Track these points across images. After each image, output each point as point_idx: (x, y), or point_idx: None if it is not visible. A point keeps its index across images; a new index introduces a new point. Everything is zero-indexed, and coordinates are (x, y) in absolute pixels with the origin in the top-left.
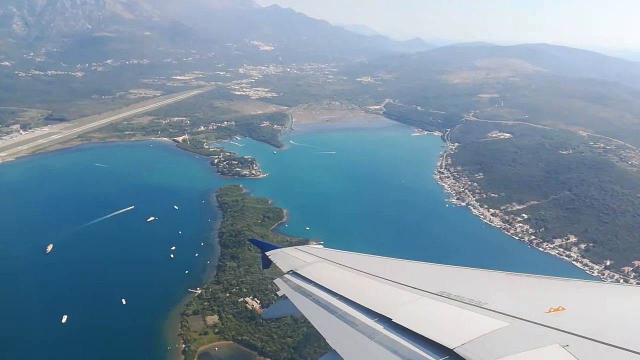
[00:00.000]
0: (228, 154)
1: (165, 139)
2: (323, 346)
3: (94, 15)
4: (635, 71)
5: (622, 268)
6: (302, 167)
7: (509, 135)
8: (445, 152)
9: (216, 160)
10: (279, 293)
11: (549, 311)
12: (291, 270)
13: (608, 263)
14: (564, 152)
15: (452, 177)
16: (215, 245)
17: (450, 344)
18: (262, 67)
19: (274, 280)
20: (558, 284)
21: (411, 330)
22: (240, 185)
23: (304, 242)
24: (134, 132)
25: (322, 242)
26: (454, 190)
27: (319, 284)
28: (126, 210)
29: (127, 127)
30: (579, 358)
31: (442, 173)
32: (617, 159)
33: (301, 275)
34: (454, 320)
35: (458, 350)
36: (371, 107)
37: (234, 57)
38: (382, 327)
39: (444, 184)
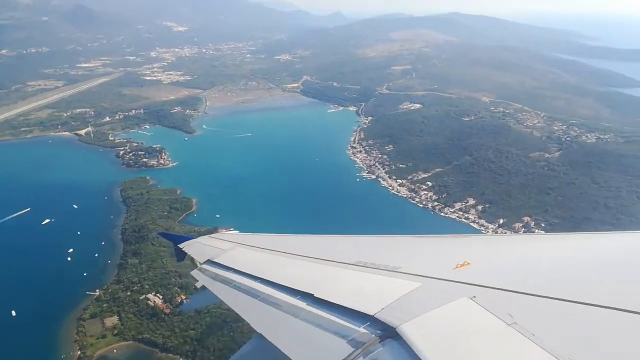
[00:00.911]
0: (135, 144)
1: (67, 133)
2: (226, 334)
3: None
4: (541, 36)
5: (514, 225)
6: (214, 152)
7: (419, 105)
8: (359, 126)
9: (121, 152)
10: (197, 285)
11: (456, 267)
12: (208, 260)
13: (501, 221)
14: (466, 119)
15: (364, 151)
16: (118, 243)
17: (370, 311)
18: (176, 50)
19: (191, 272)
20: (462, 240)
21: (333, 303)
22: (147, 177)
23: (213, 230)
24: (30, 128)
25: (232, 229)
26: (365, 164)
27: (238, 270)
28: (20, 214)
29: (23, 122)
30: (484, 306)
31: (355, 148)
32: (514, 121)
33: (218, 264)
34: (372, 288)
35: (378, 316)
36: (288, 86)
37: (144, 40)
38: (304, 304)
39: (356, 159)
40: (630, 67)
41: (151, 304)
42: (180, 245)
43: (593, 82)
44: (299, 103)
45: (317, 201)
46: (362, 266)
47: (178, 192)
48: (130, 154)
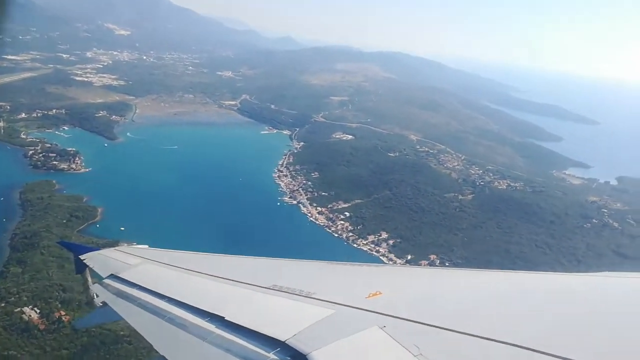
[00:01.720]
0: (48, 145)
1: None
2: (102, 356)
3: None
4: (472, 83)
5: (420, 261)
6: (133, 162)
7: (350, 137)
8: (289, 150)
9: (31, 152)
10: (98, 301)
11: (369, 296)
12: (112, 274)
13: (409, 257)
14: (392, 155)
15: (289, 176)
16: (5, 249)
17: (281, 336)
18: (115, 53)
19: (92, 287)
20: (375, 270)
21: (244, 327)
22: (54, 181)
23: (114, 243)
24: None
25: (134, 243)
26: (288, 188)
27: (144, 287)
28: None
29: None
30: (393, 337)
31: (281, 171)
32: (435, 162)
33: (124, 279)
34: (285, 313)
35: (289, 342)
36: (226, 103)
37: (82, 39)
38: (214, 326)
39: (280, 182)
40: (548, 121)
41: (25, 318)
42: (82, 257)
43: (513, 132)
44: (233, 121)
45: (233, 222)
46: (276, 290)
47: (84, 200)
48: (40, 155)
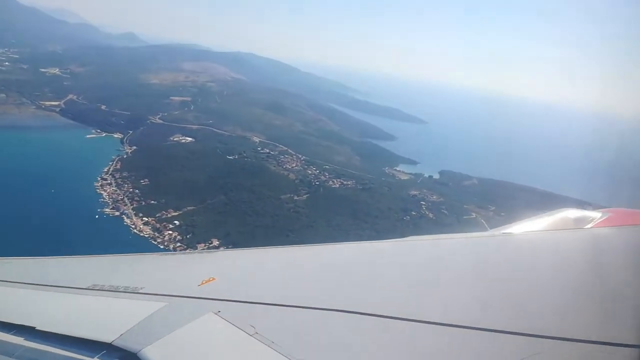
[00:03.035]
0: None
1: None
2: None
3: None
4: (320, 85)
5: None
6: None
7: (190, 139)
8: (119, 156)
9: None
10: None
11: (202, 283)
12: None
13: None
14: (230, 157)
15: (114, 184)
16: None
17: (107, 338)
18: None
19: None
20: (207, 256)
21: (61, 334)
22: None
23: None
24: None
25: None
26: (112, 198)
27: None
28: None
29: None
30: (229, 320)
31: (106, 180)
32: (275, 163)
33: None
34: (109, 312)
35: (116, 342)
36: (47, 103)
37: None
38: (22, 339)
39: (103, 192)
40: (386, 122)
41: None
42: None
43: (353, 132)
44: (53, 124)
45: (38, 242)
46: (97, 290)
47: None
48: None
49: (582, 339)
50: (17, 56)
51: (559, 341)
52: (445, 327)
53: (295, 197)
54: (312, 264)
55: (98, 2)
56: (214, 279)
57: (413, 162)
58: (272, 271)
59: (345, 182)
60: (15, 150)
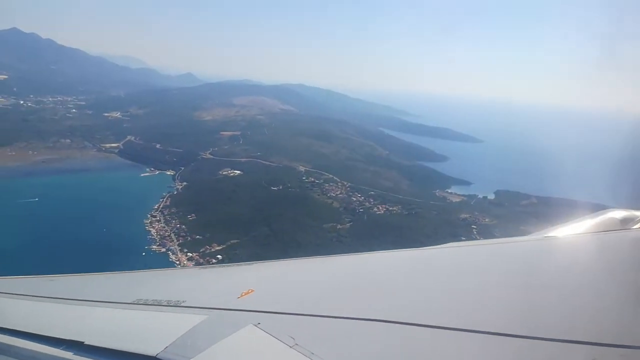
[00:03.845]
0: None
1: None
2: None
3: None
4: (369, 111)
5: None
6: None
7: (238, 172)
8: (169, 192)
9: None
10: None
11: (241, 295)
12: None
13: None
14: (275, 188)
15: (163, 221)
16: None
17: (152, 352)
18: None
19: None
20: (245, 269)
21: (108, 349)
22: None
23: None
24: None
25: None
26: (159, 235)
27: None
28: None
29: None
30: (268, 332)
31: (155, 217)
32: (319, 192)
33: None
34: (153, 326)
35: (161, 356)
36: (107, 145)
37: None
38: (71, 353)
39: (151, 229)
40: (437, 143)
41: None
42: None
43: (402, 155)
44: (112, 165)
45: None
46: (141, 304)
47: None
48: None
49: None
50: (83, 103)
51: (617, 348)
52: (494, 336)
53: (338, 226)
54: (350, 273)
55: (159, 47)
56: (252, 290)
57: (466, 183)
58: (310, 281)
59: (390, 208)
60: (74, 191)
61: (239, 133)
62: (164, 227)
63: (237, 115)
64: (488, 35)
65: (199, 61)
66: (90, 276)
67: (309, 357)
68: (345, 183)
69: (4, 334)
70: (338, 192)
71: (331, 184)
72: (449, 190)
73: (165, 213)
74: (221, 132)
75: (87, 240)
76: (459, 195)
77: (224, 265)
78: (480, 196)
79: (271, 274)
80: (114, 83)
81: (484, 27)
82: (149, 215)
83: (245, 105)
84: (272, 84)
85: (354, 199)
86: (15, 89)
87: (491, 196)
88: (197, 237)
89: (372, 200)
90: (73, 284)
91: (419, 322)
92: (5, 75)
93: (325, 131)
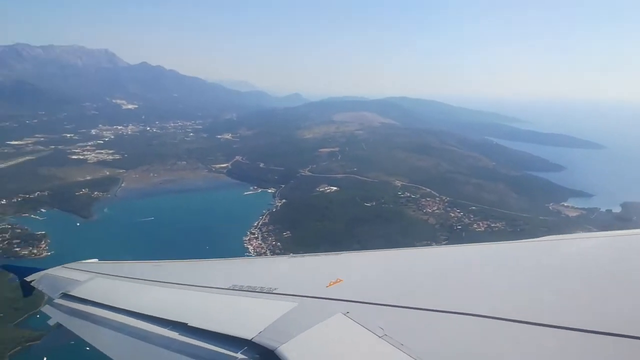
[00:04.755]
0: (19, 230)
1: None
2: None
3: None
4: (474, 119)
5: None
6: (101, 239)
7: (335, 188)
8: (268, 210)
9: None
10: (50, 322)
11: (330, 284)
12: (62, 293)
13: None
14: (368, 204)
15: (260, 238)
16: None
17: (247, 335)
18: (119, 127)
19: (42, 309)
20: (334, 258)
21: (208, 331)
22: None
23: (50, 341)
24: None
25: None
26: (256, 252)
27: (99, 303)
28: None
29: None
30: (357, 321)
31: (254, 234)
32: (415, 207)
33: (76, 297)
34: (248, 311)
35: (256, 339)
36: (217, 166)
37: (89, 117)
38: (177, 334)
39: (249, 246)
40: (555, 151)
41: None
42: (28, 278)
43: (510, 166)
44: (219, 184)
45: None
46: (237, 290)
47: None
48: (5, 242)
49: None
50: (200, 127)
51: None
52: (596, 335)
53: (433, 244)
54: (441, 266)
55: (269, 71)
56: (341, 280)
57: (586, 195)
58: (399, 272)
59: (493, 224)
60: (183, 210)
61: (337, 149)
62: (261, 244)
63: (337, 131)
64: (605, 32)
65: (305, 81)
66: (191, 263)
67: (398, 349)
68: (444, 198)
69: (116, 313)
70: (435, 208)
71: (428, 199)
72: (565, 204)
73: (263, 230)
74: (320, 149)
75: (191, 257)
76: (576, 208)
77: (313, 255)
78: (603, 209)
79: (359, 264)
80: (228, 107)
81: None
82: (248, 232)
83: (345, 122)
84: (375, 99)
85: (452, 214)
86: (143, 117)
87: (617, 209)
88: (290, 254)
89: (472, 216)
90: (176, 269)
91: (515, 318)
92: (136, 105)
93: (425, 143)
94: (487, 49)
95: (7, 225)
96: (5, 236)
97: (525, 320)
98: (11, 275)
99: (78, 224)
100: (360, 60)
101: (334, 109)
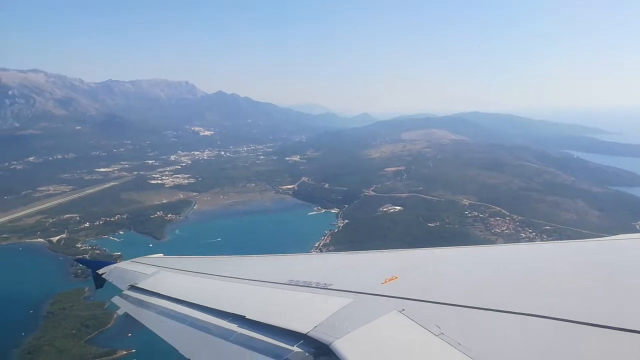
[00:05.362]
0: (98, 252)
1: (41, 240)
2: None
3: (22, 113)
4: (554, 132)
5: None
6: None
7: (399, 208)
8: (331, 230)
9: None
10: (119, 312)
11: (385, 281)
12: (130, 285)
13: None
14: (431, 225)
15: None
16: None
17: (303, 329)
18: (196, 153)
19: (112, 299)
20: (389, 255)
21: (266, 324)
22: (86, 288)
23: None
24: (10, 234)
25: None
26: None
27: (163, 295)
28: None
29: (7, 229)
30: (413, 319)
31: None
32: (482, 227)
33: (142, 289)
34: (304, 306)
35: (311, 334)
36: (283, 187)
37: (169, 145)
38: (236, 326)
39: None
40: None
41: None
42: (100, 271)
43: (591, 181)
44: (285, 205)
45: None
46: (294, 285)
47: (105, 306)
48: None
49: None
50: (271, 150)
51: None
52: None
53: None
54: (500, 265)
55: (339, 93)
56: (396, 277)
57: None
58: (455, 271)
59: None
60: (249, 231)
61: (402, 168)
62: None
63: (404, 150)
64: None
65: (374, 100)
66: (248, 258)
67: (455, 347)
68: (515, 217)
69: (179, 304)
70: (504, 228)
71: (497, 218)
72: None
73: (324, 250)
74: (385, 169)
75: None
76: None
77: (368, 252)
78: None
79: (414, 261)
80: (298, 129)
81: None
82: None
83: (413, 140)
84: (445, 115)
85: (523, 234)
86: (219, 142)
87: None
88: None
89: (545, 237)
90: (234, 264)
91: (579, 320)
92: (213, 131)
93: (496, 160)
94: (564, 56)
95: (88, 247)
96: (86, 257)
97: (597, 323)
98: (87, 292)
99: (151, 245)
100: (431, 77)
101: (403, 127)
